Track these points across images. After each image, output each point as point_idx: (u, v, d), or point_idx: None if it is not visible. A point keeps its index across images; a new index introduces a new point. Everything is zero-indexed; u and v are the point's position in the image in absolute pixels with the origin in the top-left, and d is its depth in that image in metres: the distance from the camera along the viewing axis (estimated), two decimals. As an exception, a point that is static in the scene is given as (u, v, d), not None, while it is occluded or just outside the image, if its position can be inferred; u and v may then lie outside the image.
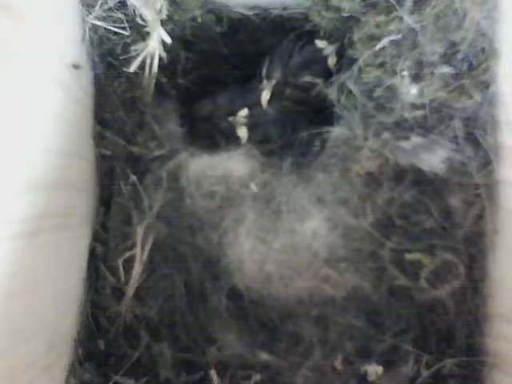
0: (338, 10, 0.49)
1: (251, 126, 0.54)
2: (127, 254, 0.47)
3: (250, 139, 0.54)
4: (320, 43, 0.53)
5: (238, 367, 0.46)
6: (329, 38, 0.53)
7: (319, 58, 0.53)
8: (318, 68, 0.53)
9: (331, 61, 0.53)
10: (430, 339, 0.45)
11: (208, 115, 0.56)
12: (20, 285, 0.35)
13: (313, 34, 0.53)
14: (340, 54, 0.52)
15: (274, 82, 0.54)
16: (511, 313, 0.43)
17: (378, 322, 0.45)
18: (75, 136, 0.45)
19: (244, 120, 0.54)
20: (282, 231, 0.46)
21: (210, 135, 0.56)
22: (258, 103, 0.54)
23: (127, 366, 0.46)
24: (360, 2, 0.48)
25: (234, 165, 0.48)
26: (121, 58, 0.48)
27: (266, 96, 0.54)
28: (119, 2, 0.47)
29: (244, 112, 0.55)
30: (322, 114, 0.52)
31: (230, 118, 0.55)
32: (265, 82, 0.54)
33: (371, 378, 0.45)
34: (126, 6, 0.47)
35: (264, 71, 0.55)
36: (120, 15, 0.47)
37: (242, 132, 0.54)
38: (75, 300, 0.46)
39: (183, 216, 0.47)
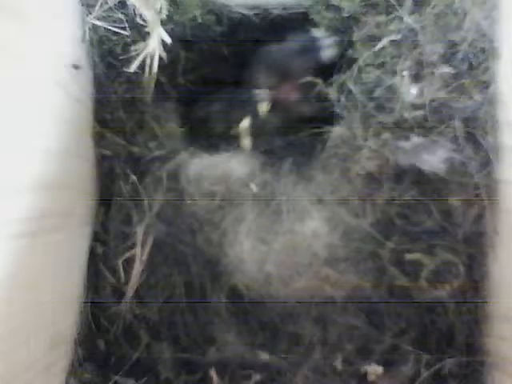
0: (338, 10, 0.49)
1: (254, 135, 0.54)
2: (127, 254, 0.47)
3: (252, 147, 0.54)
4: (316, 32, 0.53)
5: (238, 367, 0.46)
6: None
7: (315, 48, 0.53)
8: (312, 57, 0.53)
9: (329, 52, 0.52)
10: (429, 339, 0.45)
11: (205, 117, 0.56)
12: (20, 285, 0.35)
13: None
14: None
15: (270, 91, 0.54)
16: (511, 313, 0.43)
17: (377, 322, 0.45)
18: (75, 136, 0.45)
19: (247, 130, 0.54)
20: (282, 231, 0.46)
21: (208, 136, 0.56)
22: (256, 113, 0.54)
23: (127, 366, 0.46)
24: (360, 1, 0.48)
25: (234, 165, 0.48)
26: (121, 57, 0.48)
27: (263, 107, 0.54)
28: (119, 2, 0.47)
29: (247, 122, 0.54)
30: (321, 114, 0.52)
31: (234, 129, 0.54)
32: (262, 90, 0.54)
33: (371, 378, 0.45)
34: (126, 5, 0.47)
35: (259, 78, 0.55)
36: (120, 15, 0.47)
37: (246, 141, 0.54)
38: (75, 300, 0.46)
39: (183, 216, 0.47)
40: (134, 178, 0.48)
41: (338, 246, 0.45)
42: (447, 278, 0.45)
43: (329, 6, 0.50)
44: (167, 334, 0.47)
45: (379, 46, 0.47)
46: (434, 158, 0.45)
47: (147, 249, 0.47)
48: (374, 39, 0.48)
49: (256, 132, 0.54)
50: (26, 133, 0.37)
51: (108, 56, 0.48)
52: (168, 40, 0.47)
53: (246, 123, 0.54)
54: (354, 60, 0.48)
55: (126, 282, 0.47)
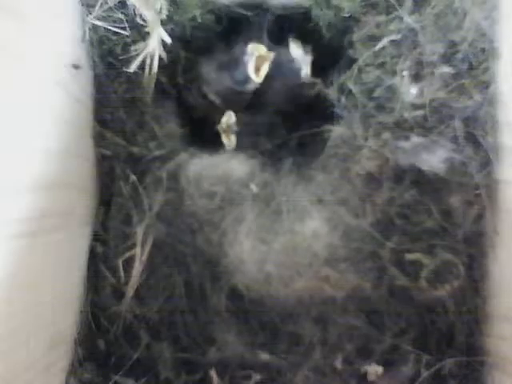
0: (338, 10, 0.49)
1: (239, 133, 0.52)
2: (127, 254, 0.47)
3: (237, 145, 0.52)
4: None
5: (238, 367, 0.46)
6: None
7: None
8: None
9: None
10: (430, 339, 0.45)
11: (203, 116, 0.56)
12: (20, 285, 0.35)
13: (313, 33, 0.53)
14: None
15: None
16: (511, 313, 0.43)
17: (377, 322, 0.45)
18: (75, 136, 0.45)
19: (233, 128, 0.52)
20: (282, 231, 0.46)
21: (209, 134, 0.55)
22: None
23: (127, 366, 0.46)
24: (360, 1, 0.48)
25: (234, 165, 0.48)
26: (121, 57, 0.48)
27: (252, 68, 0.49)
28: (119, 2, 0.47)
29: (232, 117, 0.52)
30: (321, 113, 0.52)
31: (218, 126, 0.52)
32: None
33: (371, 377, 0.45)
34: (126, 5, 0.47)
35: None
36: (120, 15, 0.47)
37: (232, 138, 0.52)
38: (75, 300, 0.46)
39: (183, 216, 0.47)
40: (133, 177, 0.48)
41: (338, 246, 0.45)
42: (447, 278, 0.45)
43: (329, 6, 0.50)
44: (167, 333, 0.47)
45: (379, 45, 0.47)
46: (434, 158, 0.45)
47: (147, 249, 0.47)
48: (374, 39, 0.48)
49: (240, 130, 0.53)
50: (26, 133, 0.37)
51: (108, 56, 0.48)
52: (168, 40, 0.47)
53: (231, 119, 0.52)
54: (354, 60, 0.48)
55: (126, 282, 0.47)
